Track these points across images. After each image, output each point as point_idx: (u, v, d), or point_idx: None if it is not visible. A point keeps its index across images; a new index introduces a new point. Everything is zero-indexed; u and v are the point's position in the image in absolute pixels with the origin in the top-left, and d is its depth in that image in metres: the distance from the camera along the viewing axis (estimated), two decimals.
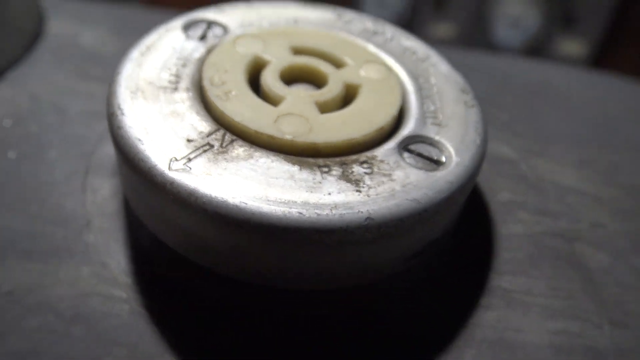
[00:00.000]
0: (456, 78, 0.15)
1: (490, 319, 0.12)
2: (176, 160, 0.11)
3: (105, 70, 0.18)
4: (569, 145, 0.17)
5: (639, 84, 0.25)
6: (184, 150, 0.11)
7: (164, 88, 0.13)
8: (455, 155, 0.13)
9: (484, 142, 0.13)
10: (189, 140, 0.12)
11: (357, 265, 0.12)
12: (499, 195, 0.15)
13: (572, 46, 0.79)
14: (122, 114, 0.12)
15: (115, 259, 0.13)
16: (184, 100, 0.13)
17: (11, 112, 0.16)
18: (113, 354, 0.12)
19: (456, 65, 0.22)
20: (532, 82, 0.22)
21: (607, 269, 0.14)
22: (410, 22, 0.92)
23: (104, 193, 0.14)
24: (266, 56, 0.14)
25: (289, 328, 0.12)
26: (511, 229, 0.14)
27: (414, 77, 0.15)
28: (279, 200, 0.11)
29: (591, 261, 0.14)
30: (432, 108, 0.14)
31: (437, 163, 0.12)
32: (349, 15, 0.17)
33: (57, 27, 0.21)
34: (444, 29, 0.89)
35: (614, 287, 0.13)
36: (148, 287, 0.13)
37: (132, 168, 0.11)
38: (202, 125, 0.12)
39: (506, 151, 0.17)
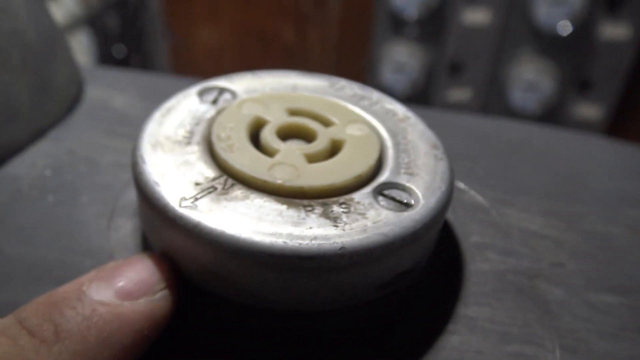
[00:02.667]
0: (429, 136, 0.17)
1: (454, 342, 0.14)
2: (185, 199, 0.14)
3: (132, 129, 0.21)
4: (538, 196, 0.19)
5: (619, 142, 0.27)
6: (192, 191, 0.14)
7: (179, 142, 0.16)
8: (422, 198, 0.15)
9: (449, 188, 0.15)
10: (196, 184, 0.14)
11: (333, 291, 0.14)
12: (471, 238, 0.17)
13: (588, 111, 0.82)
14: (144, 162, 0.15)
15: None
16: (195, 152, 0.15)
17: (51, 164, 0.19)
18: None
19: (445, 125, 0.25)
20: (511, 140, 0.24)
21: (563, 302, 0.15)
22: (426, 87, 0.96)
23: (125, 231, 0.17)
24: (266, 116, 0.17)
25: (265, 343, 0.14)
26: (479, 267, 0.16)
27: (393, 135, 0.17)
28: (268, 232, 0.13)
29: (549, 295, 0.15)
30: (406, 160, 0.16)
31: (406, 205, 0.15)
32: (340, 83, 0.20)
33: (94, 92, 0.24)
34: (459, 93, 0.93)
35: (568, 318, 0.15)
36: None
37: (150, 206, 0.14)
38: (208, 171, 0.15)
39: (480, 201, 0.19)
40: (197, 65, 1.00)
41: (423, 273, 0.16)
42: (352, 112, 0.18)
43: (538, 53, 0.87)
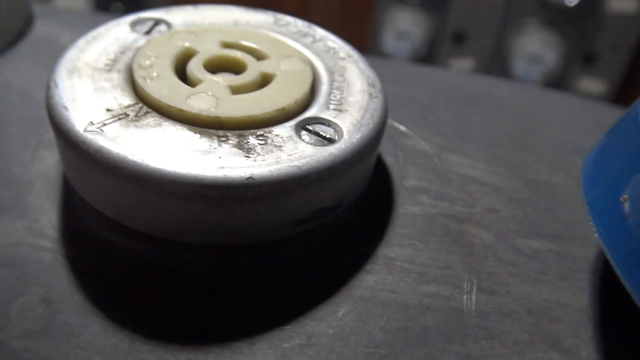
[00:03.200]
0: (369, 74, 0.17)
1: (370, 281, 0.14)
2: (92, 124, 0.13)
3: None
4: (486, 144, 0.19)
5: (587, 99, 0.26)
6: (102, 117, 0.13)
7: (99, 69, 0.15)
8: (346, 134, 0.14)
9: (378, 126, 0.15)
10: (108, 110, 0.14)
11: (245, 224, 0.13)
12: (406, 182, 0.17)
13: (592, 84, 0.80)
14: (56, 87, 0.14)
15: (47, 215, 0.15)
16: (113, 79, 0.15)
17: None
18: (30, 292, 0.13)
19: (405, 75, 0.24)
20: (472, 92, 0.23)
21: (489, 246, 0.15)
22: (428, 56, 0.94)
23: (49, 163, 0.16)
24: (196, 47, 0.16)
25: (184, 279, 0.14)
26: (409, 209, 0.16)
27: (330, 72, 0.16)
28: (172, 160, 0.12)
29: (476, 239, 0.15)
30: (338, 97, 0.15)
31: (329, 141, 0.14)
32: (285, 19, 0.19)
33: (42, 27, 0.23)
34: (462, 63, 0.91)
35: (491, 261, 0.14)
36: (70, 240, 0.14)
37: (56, 130, 0.13)
38: (123, 99, 0.14)
39: (424, 146, 0.18)
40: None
41: (347, 212, 0.15)
42: (290, 48, 0.17)
43: (543, 24, 0.85)
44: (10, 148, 0.17)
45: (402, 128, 0.19)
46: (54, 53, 0.22)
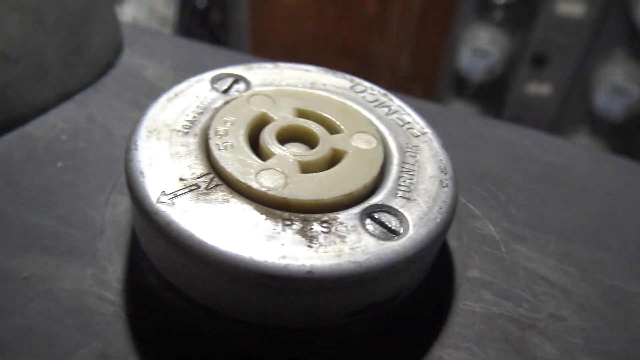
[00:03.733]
0: (442, 157, 0.16)
1: None
2: (165, 194, 0.13)
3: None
4: (558, 235, 0.18)
5: None
6: (174, 187, 0.14)
7: (178, 131, 0.15)
8: (412, 228, 0.14)
9: (446, 221, 0.14)
10: (181, 179, 0.14)
11: (299, 311, 0.13)
12: (469, 272, 0.16)
13: None
14: (136, 149, 0.15)
15: (114, 265, 0.15)
16: (189, 144, 0.15)
17: (69, 129, 0.20)
18: (90, 346, 0.14)
19: (479, 136, 0.23)
20: (549, 164, 0.22)
21: None
22: (504, 76, 0.91)
23: (121, 209, 0.17)
24: (271, 114, 0.16)
25: (234, 353, 0.14)
26: (469, 306, 0.15)
27: (402, 151, 0.16)
28: (236, 243, 0.13)
29: (538, 351, 0.14)
30: (407, 182, 0.15)
31: (394, 232, 0.14)
32: (362, 85, 0.19)
33: (129, 58, 0.24)
34: (538, 87, 0.87)
35: None
36: (132, 296, 0.15)
37: (132, 196, 0.14)
38: (196, 167, 0.14)
39: (491, 231, 0.18)
40: (274, 24, 1.00)
41: (404, 302, 0.15)
42: (363, 121, 0.17)
43: (631, 56, 0.80)
44: (88, 189, 0.17)
45: (470, 206, 0.19)
46: (138, 87, 0.23)
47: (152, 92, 0.22)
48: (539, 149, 0.23)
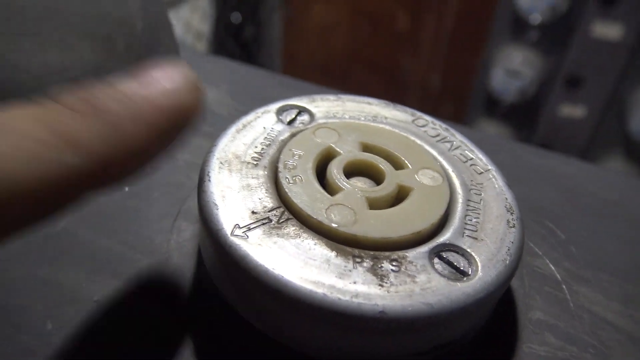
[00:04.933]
0: (507, 196, 0.16)
1: None
2: (239, 227, 0.14)
3: (214, 129, 0.21)
4: (623, 277, 0.18)
5: None
6: (247, 220, 0.14)
7: (247, 163, 0.16)
8: (481, 269, 0.14)
9: (514, 262, 0.14)
10: (253, 212, 0.14)
11: (366, 349, 0.13)
12: (532, 313, 0.16)
13: None
14: (209, 180, 0.15)
15: (180, 292, 0.16)
16: (259, 176, 0.15)
17: None
18: None
19: (537, 170, 0.23)
20: (608, 200, 0.22)
21: None
22: (536, 97, 0.90)
23: (186, 235, 0.17)
24: (337, 148, 0.17)
25: None
26: (533, 350, 0.15)
27: (466, 189, 0.16)
28: (310, 280, 0.13)
29: None
30: (473, 221, 0.15)
31: (462, 273, 0.14)
32: (424, 119, 0.19)
33: None
34: (572, 109, 0.86)
35: None
36: (198, 323, 0.15)
37: (205, 227, 0.14)
38: (267, 200, 0.15)
39: (552, 271, 0.17)
40: (306, 41, 1.01)
41: (469, 344, 0.15)
42: (428, 157, 0.17)
43: None
44: (153, 215, 0.18)
45: (530, 244, 0.18)
46: None
47: (211, 118, 0.23)
48: (593, 183, 0.23)
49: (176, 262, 0.17)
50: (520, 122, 0.96)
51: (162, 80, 0.13)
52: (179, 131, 0.13)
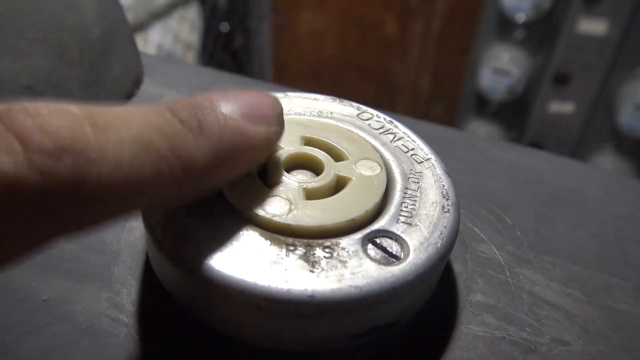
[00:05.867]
0: (444, 183, 0.17)
1: None
2: (173, 220, 0.14)
3: None
4: (564, 259, 0.18)
5: None
6: (183, 213, 0.14)
7: None
8: (412, 253, 0.14)
9: (446, 246, 0.15)
10: (189, 207, 0.15)
11: (302, 335, 0.14)
12: (473, 296, 0.16)
13: None
14: None
15: (128, 289, 0.16)
16: None
17: None
18: None
19: (490, 160, 0.23)
20: (559, 187, 0.22)
21: None
22: (525, 94, 0.91)
23: (137, 234, 0.18)
24: (279, 143, 0.17)
25: None
26: (471, 330, 0.15)
27: (405, 177, 0.17)
28: (241, 268, 0.13)
29: None
30: (409, 208, 0.16)
31: (395, 257, 0.14)
32: (368, 113, 0.19)
33: (149, 87, 0.25)
34: (561, 106, 0.87)
35: None
36: (144, 319, 0.15)
37: (144, 222, 0.15)
38: (212, 198, 0.15)
39: (496, 255, 0.18)
40: (296, 47, 1.02)
41: (407, 326, 0.15)
42: (368, 148, 0.17)
43: None
44: None
45: (476, 230, 0.19)
46: None
47: None
48: (551, 172, 0.24)
49: (125, 260, 0.17)
50: (510, 120, 0.96)
51: (260, 109, 0.14)
52: (253, 163, 0.14)
